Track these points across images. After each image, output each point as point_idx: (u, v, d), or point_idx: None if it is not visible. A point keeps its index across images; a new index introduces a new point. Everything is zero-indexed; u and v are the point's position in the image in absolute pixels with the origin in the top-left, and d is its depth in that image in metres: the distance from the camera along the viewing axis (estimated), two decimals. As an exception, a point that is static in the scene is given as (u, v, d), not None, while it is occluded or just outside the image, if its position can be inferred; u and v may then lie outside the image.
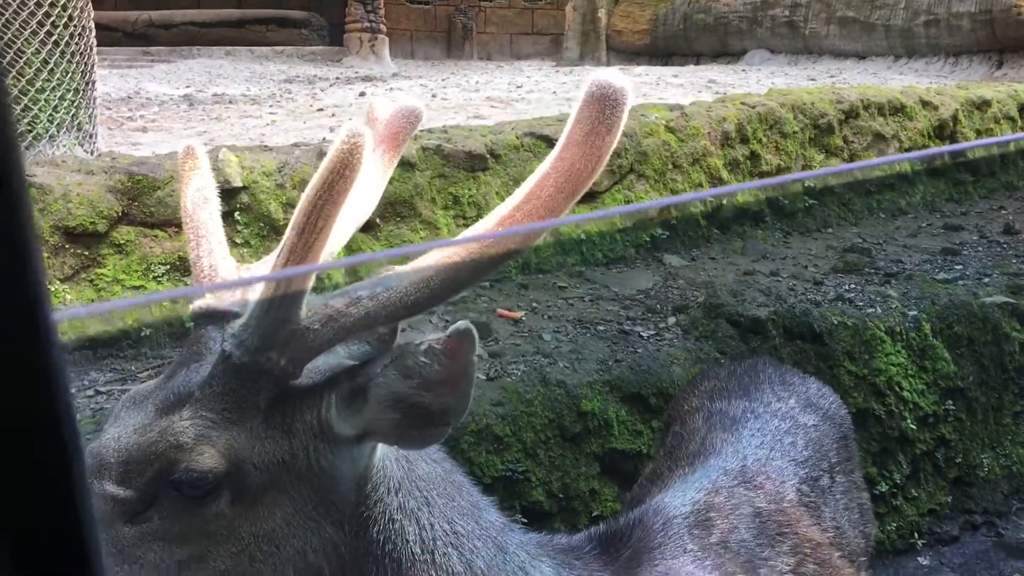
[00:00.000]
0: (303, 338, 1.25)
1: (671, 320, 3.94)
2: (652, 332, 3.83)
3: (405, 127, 1.69)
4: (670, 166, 5.01)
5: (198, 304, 1.38)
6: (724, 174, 5.20)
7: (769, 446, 2.02)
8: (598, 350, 3.61)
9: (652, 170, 4.95)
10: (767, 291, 4.14)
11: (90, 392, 3.29)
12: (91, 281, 3.62)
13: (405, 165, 4.20)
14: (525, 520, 3.20)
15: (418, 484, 1.41)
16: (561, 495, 3.29)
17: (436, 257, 1.28)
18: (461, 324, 1.22)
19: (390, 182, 4.50)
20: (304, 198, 1.19)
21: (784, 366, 2.55)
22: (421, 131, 4.62)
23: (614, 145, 1.23)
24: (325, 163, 1.17)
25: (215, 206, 1.50)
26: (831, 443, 2.18)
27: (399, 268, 1.30)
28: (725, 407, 2.17)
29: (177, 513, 1.25)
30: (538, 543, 1.56)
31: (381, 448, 1.37)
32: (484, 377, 3.34)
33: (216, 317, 1.34)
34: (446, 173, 4.33)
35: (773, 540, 1.83)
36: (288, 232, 1.23)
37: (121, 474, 1.25)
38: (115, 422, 1.30)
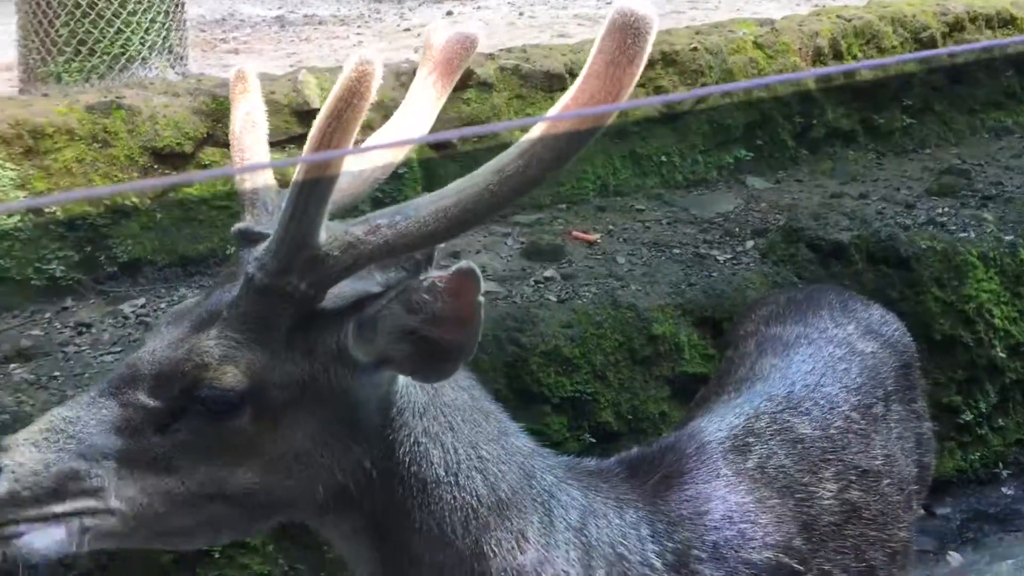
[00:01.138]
0: (322, 264, 1.28)
1: (749, 244, 3.87)
2: (729, 256, 3.77)
3: (460, 54, 1.69)
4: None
5: (236, 226, 1.42)
6: (815, 93, 5.00)
7: (820, 372, 1.99)
8: (672, 273, 3.58)
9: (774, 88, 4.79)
10: (852, 214, 4.01)
11: (178, 307, 3.44)
12: (180, 201, 3.75)
13: (482, 86, 4.18)
14: (593, 440, 3.25)
15: (443, 410, 1.44)
16: (630, 416, 3.31)
17: (458, 187, 1.29)
18: (464, 264, 1.24)
19: (467, 103, 4.49)
20: (315, 127, 1.21)
21: (848, 292, 2.49)
22: (499, 50, 4.58)
23: (637, 76, 1.20)
24: (334, 91, 1.18)
25: (263, 131, 1.54)
26: (889, 371, 2.13)
27: (418, 199, 1.32)
28: (779, 332, 2.13)
29: (202, 427, 1.32)
30: (566, 467, 1.58)
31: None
32: (555, 299, 3.36)
33: (252, 239, 1.39)
34: (523, 94, 4.29)
35: (815, 466, 1.82)
36: (305, 153, 1.25)
37: (152, 386, 1.32)
38: (154, 336, 1.37)
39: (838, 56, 5.09)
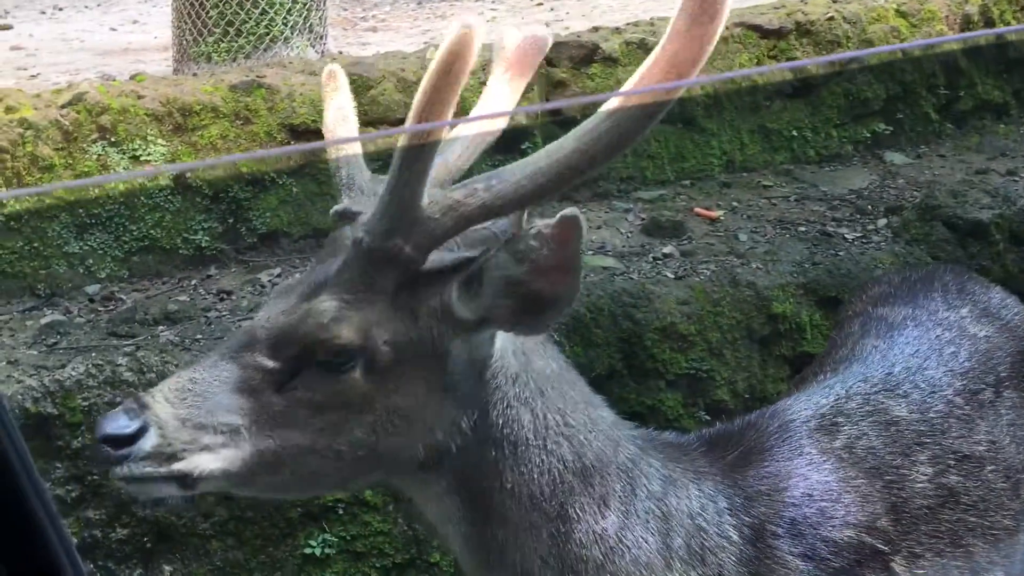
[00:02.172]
0: (425, 226, 1.37)
1: (881, 222, 3.73)
2: (858, 234, 3.66)
3: (532, 54, 1.75)
4: (899, 55, 4.63)
5: (336, 208, 1.52)
6: (962, 63, 4.74)
7: (924, 355, 1.95)
8: (795, 252, 3.50)
9: (877, 59, 4.60)
10: (995, 192, 3.80)
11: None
12: (313, 175, 3.93)
13: (607, 60, 4.17)
14: (708, 417, 3.24)
15: (533, 377, 1.51)
16: (747, 395, 3.28)
17: (550, 150, 1.34)
18: (568, 211, 1.29)
19: (591, 78, 4.49)
20: (420, 90, 1.28)
21: (969, 273, 2.38)
22: (626, 25, 4.55)
23: (719, 30, 1.23)
24: (438, 54, 1.25)
25: (353, 123, 1.65)
26: (1004, 356, 2.05)
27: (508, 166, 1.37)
28: (886, 313, 2.09)
29: (318, 383, 1.43)
30: (647, 438, 1.61)
31: (500, 340, 1.47)
32: (672, 276, 3.35)
33: (351, 218, 1.48)
34: (650, 67, 4.26)
35: (909, 449, 1.79)
36: (408, 122, 1.33)
37: (271, 348, 1.43)
38: (264, 308, 1.49)
39: (989, 23, 4.81)
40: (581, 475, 1.50)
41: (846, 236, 3.64)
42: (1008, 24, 4.85)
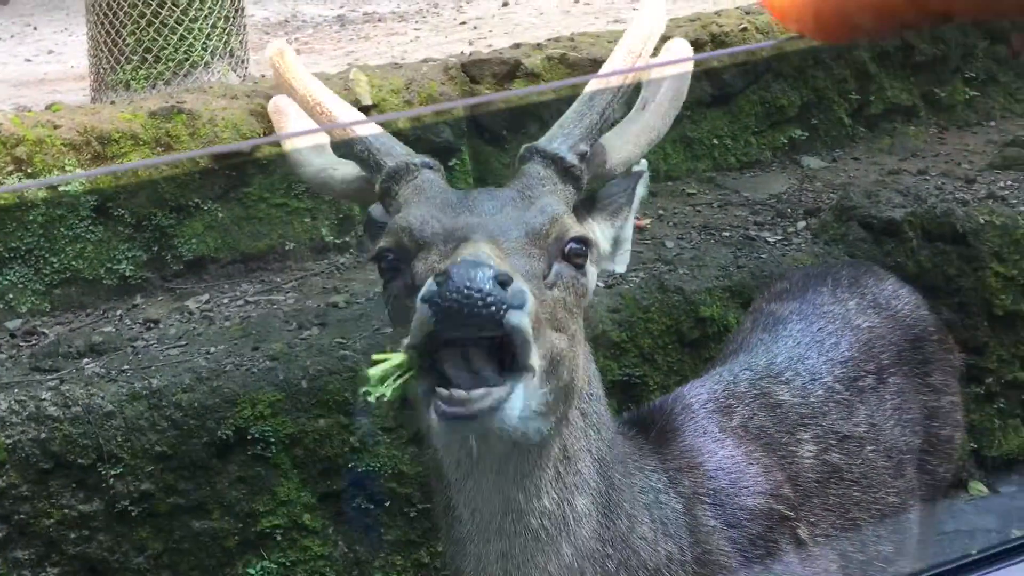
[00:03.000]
0: (590, 161, 1.58)
1: (800, 224, 3.84)
2: (779, 237, 3.76)
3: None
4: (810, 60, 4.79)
5: (525, 147, 1.61)
6: (871, 67, 4.92)
7: (806, 346, 2.09)
8: (720, 256, 3.58)
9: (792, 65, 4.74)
10: (907, 191, 3.95)
11: (240, 302, 3.59)
12: (239, 200, 3.90)
13: (530, 75, 4.22)
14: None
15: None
16: (680, 399, 3.33)
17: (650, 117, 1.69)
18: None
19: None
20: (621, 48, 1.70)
21: (868, 267, 2.51)
22: (547, 40, 4.62)
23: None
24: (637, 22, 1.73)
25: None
26: (888, 345, 2.18)
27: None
28: (775, 308, 2.24)
29: (569, 281, 1.46)
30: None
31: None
32: (602, 285, 3.40)
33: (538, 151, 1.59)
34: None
35: (794, 428, 1.92)
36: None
37: (531, 244, 1.42)
38: (483, 222, 1.43)
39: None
40: (609, 444, 1.58)
41: (768, 239, 3.74)
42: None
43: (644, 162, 1.69)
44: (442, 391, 1.25)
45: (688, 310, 3.36)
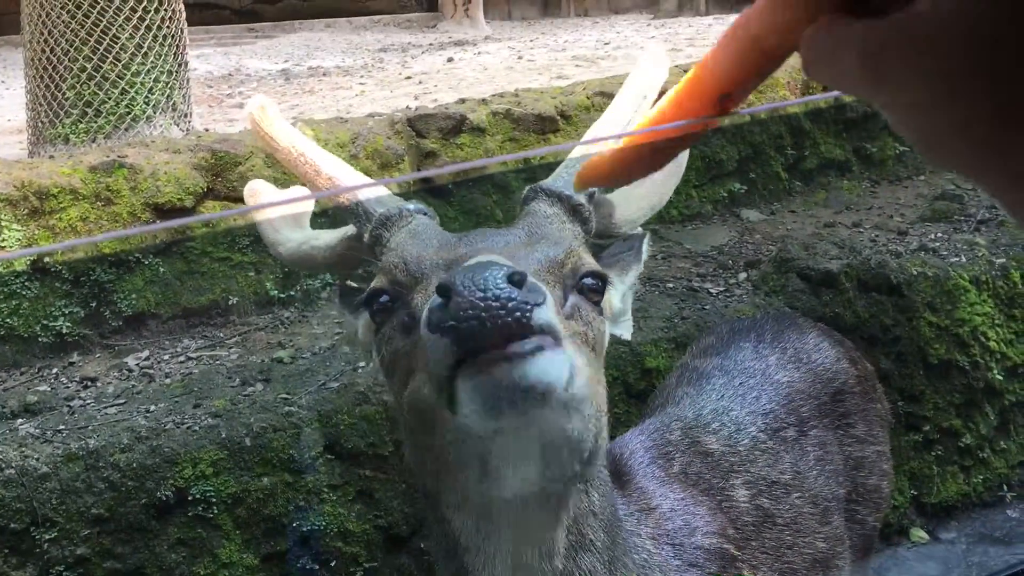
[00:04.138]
0: (595, 208, 1.54)
1: (742, 276, 3.92)
2: (722, 288, 3.82)
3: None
4: (747, 118, 4.92)
5: (530, 188, 1.55)
6: (806, 124, 5.08)
7: (730, 399, 2.16)
8: (665, 308, 3.63)
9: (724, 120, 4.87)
10: (843, 243, 4.06)
11: (181, 358, 3.52)
12: (181, 254, 3.85)
13: (475, 130, 4.28)
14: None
15: None
16: (627, 451, 3.35)
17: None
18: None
19: (460, 147, 4.55)
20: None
21: (793, 319, 2.58)
22: (492, 96, 4.68)
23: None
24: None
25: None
26: (808, 399, 2.25)
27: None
28: (699, 364, 2.31)
29: (588, 316, 1.32)
30: None
31: None
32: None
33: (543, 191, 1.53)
34: (516, 136, 4.39)
35: (726, 474, 1.97)
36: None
37: (544, 271, 1.29)
38: (492, 260, 1.20)
39: (826, 88, 5.17)
40: (610, 501, 1.52)
41: (710, 291, 3.80)
42: (843, 88, 5.23)
43: (639, 228, 1.67)
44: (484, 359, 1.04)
45: (634, 361, 3.38)
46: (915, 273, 3.86)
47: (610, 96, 4.63)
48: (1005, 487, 3.96)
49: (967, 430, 3.91)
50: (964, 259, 4.01)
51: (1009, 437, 3.99)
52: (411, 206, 1.49)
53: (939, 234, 4.30)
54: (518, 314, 1.02)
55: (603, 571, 1.42)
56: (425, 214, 1.49)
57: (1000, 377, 3.91)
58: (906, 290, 3.82)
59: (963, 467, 3.94)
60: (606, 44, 9.41)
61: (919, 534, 3.78)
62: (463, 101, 4.65)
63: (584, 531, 1.39)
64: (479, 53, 9.67)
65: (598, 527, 1.42)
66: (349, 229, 1.59)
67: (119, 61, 4.91)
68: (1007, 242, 4.15)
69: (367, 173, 4.28)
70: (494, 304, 1.02)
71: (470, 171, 4.27)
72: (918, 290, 3.83)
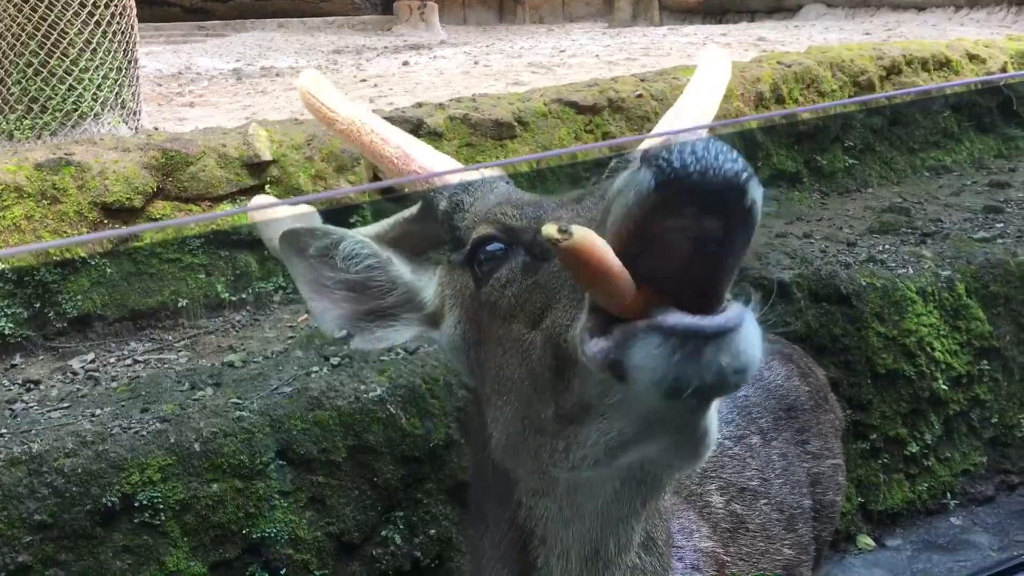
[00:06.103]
0: None
1: (695, 284, 3.95)
2: (676, 296, 3.85)
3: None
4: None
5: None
6: (759, 136, 5.14)
7: None
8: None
9: (684, 133, 4.92)
10: (794, 253, 4.11)
11: (128, 361, 3.44)
12: (129, 255, 3.76)
13: (432, 135, 4.25)
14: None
15: None
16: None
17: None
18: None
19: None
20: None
21: None
22: (449, 100, 4.67)
23: None
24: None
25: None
26: (763, 412, 2.27)
27: None
28: None
29: None
30: None
31: None
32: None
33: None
34: (473, 142, 4.38)
35: (702, 480, 1.99)
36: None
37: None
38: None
39: (780, 101, 5.25)
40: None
41: (665, 299, 3.82)
42: (796, 101, 5.32)
43: None
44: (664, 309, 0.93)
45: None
46: (864, 284, 3.93)
47: (568, 103, 4.65)
48: (949, 495, 4.05)
49: (912, 438, 3.99)
50: (911, 270, 4.09)
51: (953, 446, 4.08)
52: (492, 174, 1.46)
53: (887, 246, 4.39)
54: (743, 175, 0.91)
55: (662, 572, 1.38)
56: (506, 182, 1.45)
57: (945, 387, 3.99)
58: (855, 301, 3.88)
59: (908, 475, 4.02)
60: (562, 51, 9.45)
61: (866, 541, 3.84)
62: (420, 105, 4.63)
63: (650, 529, 1.36)
64: (435, 57, 9.65)
65: (661, 527, 1.39)
66: (405, 212, 1.54)
67: (67, 56, 4.80)
68: (952, 254, 4.25)
69: (322, 177, 4.24)
70: (716, 154, 0.91)
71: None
72: (866, 300, 3.90)
